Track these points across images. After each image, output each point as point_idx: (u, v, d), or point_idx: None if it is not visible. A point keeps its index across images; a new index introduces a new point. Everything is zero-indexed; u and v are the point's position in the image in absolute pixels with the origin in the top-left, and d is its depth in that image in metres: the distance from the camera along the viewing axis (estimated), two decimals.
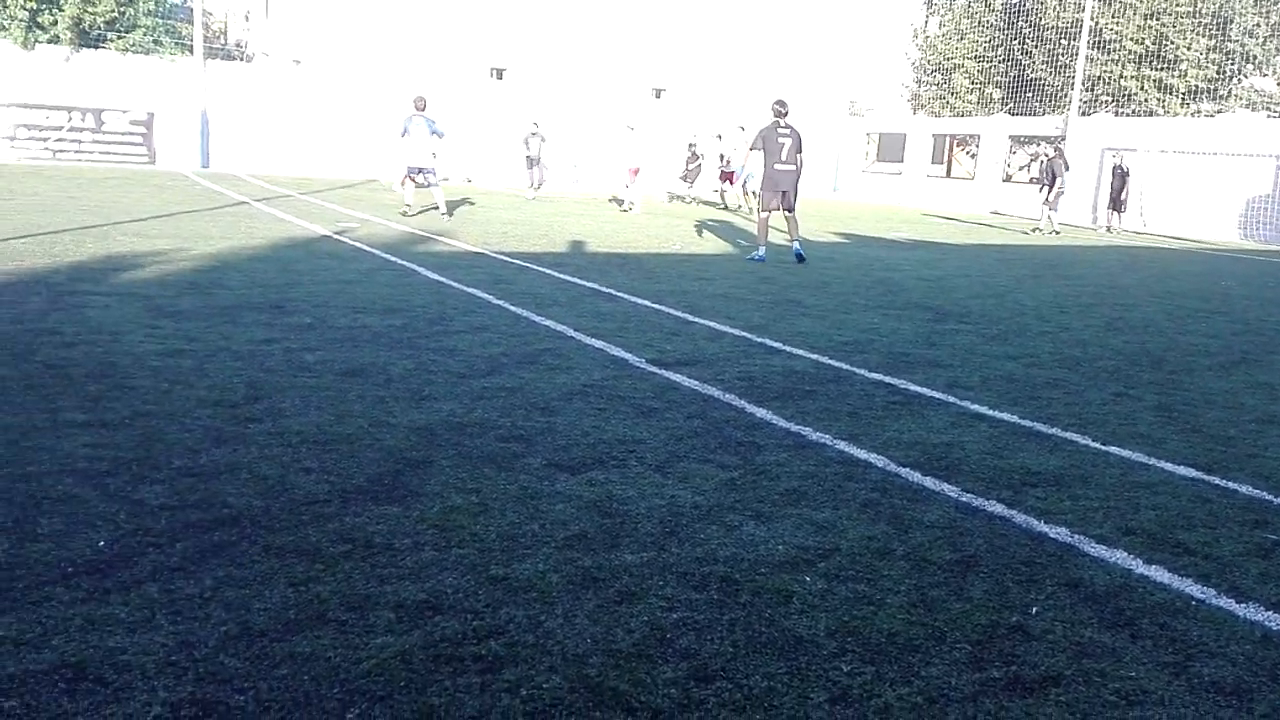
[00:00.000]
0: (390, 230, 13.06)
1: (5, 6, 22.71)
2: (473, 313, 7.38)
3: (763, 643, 2.68)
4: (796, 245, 12.69)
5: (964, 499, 3.92)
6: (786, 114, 12.39)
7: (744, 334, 7.16)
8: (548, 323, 7.14)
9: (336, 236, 11.85)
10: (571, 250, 12.29)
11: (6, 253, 8.62)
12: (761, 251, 12.45)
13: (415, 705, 2.30)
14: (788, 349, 6.72)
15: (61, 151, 23.01)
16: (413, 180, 15.51)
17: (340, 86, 26.60)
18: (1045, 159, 22.03)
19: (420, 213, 15.72)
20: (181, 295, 7.22)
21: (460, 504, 3.56)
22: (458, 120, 26.43)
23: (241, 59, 28.63)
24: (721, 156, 24.35)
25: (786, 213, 12.65)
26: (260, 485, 3.59)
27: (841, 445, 4.52)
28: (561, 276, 9.68)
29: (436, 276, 9.07)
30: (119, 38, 23.96)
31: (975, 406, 5.43)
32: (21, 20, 22.66)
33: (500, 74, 32.32)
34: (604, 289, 8.98)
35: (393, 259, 10.16)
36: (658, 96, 34.28)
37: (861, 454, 4.41)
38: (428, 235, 12.66)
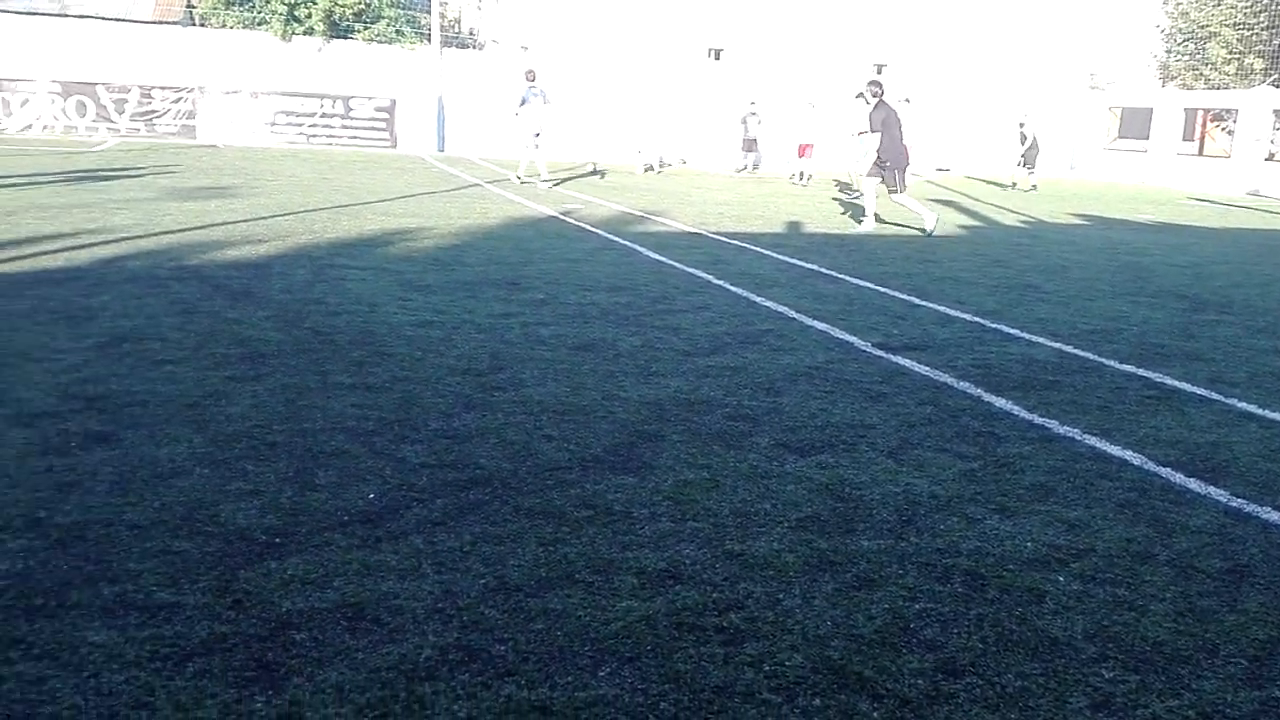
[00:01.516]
0: (610, 211, 13.40)
1: (266, 2, 24.83)
2: (694, 292, 7.46)
3: (1014, 641, 2.58)
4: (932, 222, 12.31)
5: (1234, 504, 3.61)
6: (883, 92, 12.38)
7: (976, 319, 6.87)
8: (769, 303, 7.12)
9: (562, 217, 12.27)
10: (789, 231, 12.18)
11: (274, 229, 9.47)
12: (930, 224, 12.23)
13: (662, 669, 2.37)
14: (1026, 336, 6.38)
15: (314, 136, 24.98)
16: (535, 149, 16.91)
17: (564, 70, 27.42)
18: None
19: (526, 181, 16.03)
20: (427, 271, 7.70)
21: (693, 479, 3.62)
22: (675, 101, 26.66)
23: (474, 46, 30.07)
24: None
25: (886, 189, 12.47)
26: (508, 449, 3.79)
27: (1092, 440, 4.25)
28: (780, 257, 9.61)
29: (657, 256, 9.22)
30: (365, 28, 25.70)
31: (1243, 405, 4.97)
32: (280, 14, 24.72)
33: (718, 54, 32.33)
34: (825, 270, 8.85)
35: (615, 239, 10.41)
36: (879, 72, 33.27)
37: (1115, 451, 4.14)
38: (646, 215, 12.89)
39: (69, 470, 3.37)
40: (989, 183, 24.76)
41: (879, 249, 10.75)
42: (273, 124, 24.69)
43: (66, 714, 2.10)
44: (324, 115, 25.13)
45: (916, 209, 12.53)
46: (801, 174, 21.99)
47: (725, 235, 11.24)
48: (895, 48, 33.43)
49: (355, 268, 7.61)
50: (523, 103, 16.79)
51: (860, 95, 15.44)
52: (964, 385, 5.07)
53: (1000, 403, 4.78)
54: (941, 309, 7.21)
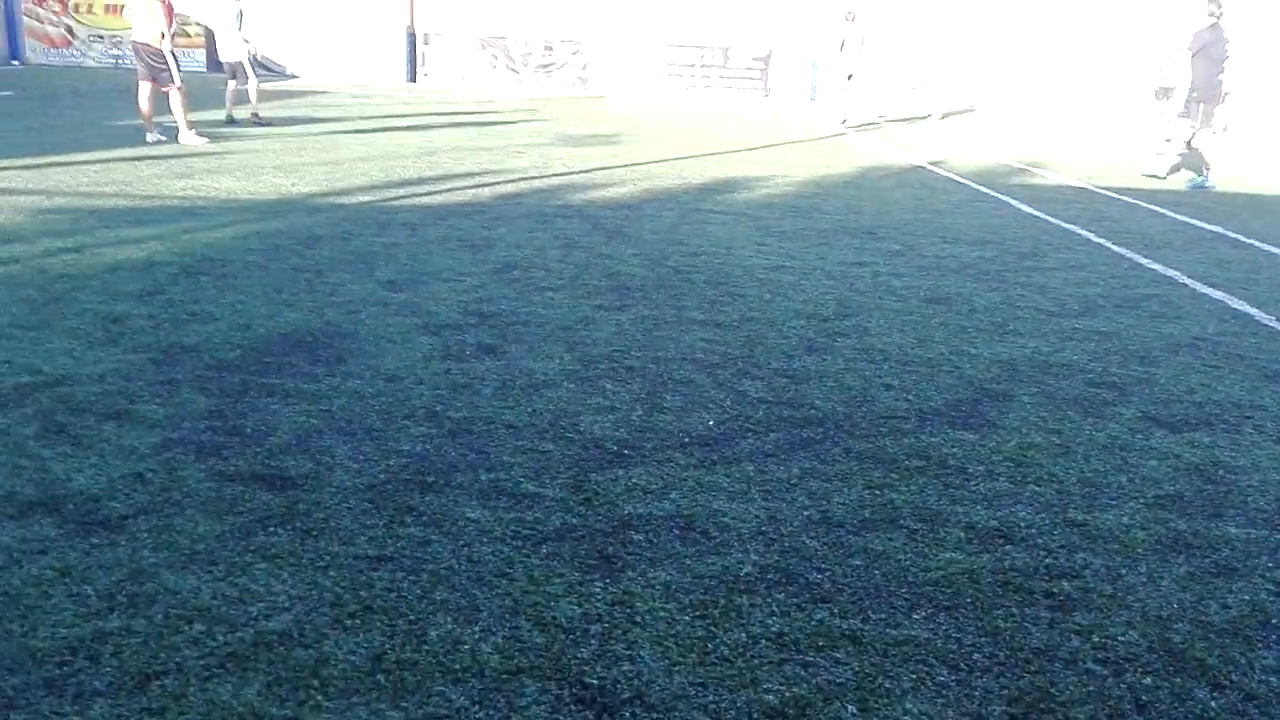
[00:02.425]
0: (985, 162, 12.70)
1: None
2: (1068, 250, 6.94)
3: None
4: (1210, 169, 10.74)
5: None
6: (1221, 13, 10.66)
7: None
8: (1156, 266, 6.46)
9: (930, 167, 11.84)
10: (1191, 188, 10.86)
11: (648, 175, 10.06)
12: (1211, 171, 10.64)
13: (980, 623, 2.34)
14: None
15: (693, 86, 25.92)
16: (848, 90, 17.11)
17: (969, 14, 26.11)
18: None
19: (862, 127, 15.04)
20: (784, 217, 7.83)
21: (1040, 442, 3.46)
22: (1096, 44, 24.51)
23: None
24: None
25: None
26: (845, 394, 3.84)
27: None
28: (1178, 216, 8.63)
29: (1031, 210, 8.66)
30: None
31: None
32: None
33: None
34: (1230, 233, 7.84)
35: (986, 190, 9.90)
36: None
37: None
38: (1024, 168, 12.08)
39: (463, 374, 3.91)
40: None
41: None
42: (657, 75, 25.92)
43: (444, 572, 2.49)
44: (703, 65, 25.96)
45: (1209, 159, 10.81)
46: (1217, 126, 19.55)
47: (1114, 190, 10.27)
48: None
49: (717, 212, 7.91)
50: (841, 46, 16.93)
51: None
52: None
53: None
54: None
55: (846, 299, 5.31)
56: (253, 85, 12.48)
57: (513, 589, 2.42)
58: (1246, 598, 2.48)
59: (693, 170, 10.52)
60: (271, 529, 2.64)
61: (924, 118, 21.56)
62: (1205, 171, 10.97)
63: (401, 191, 8.17)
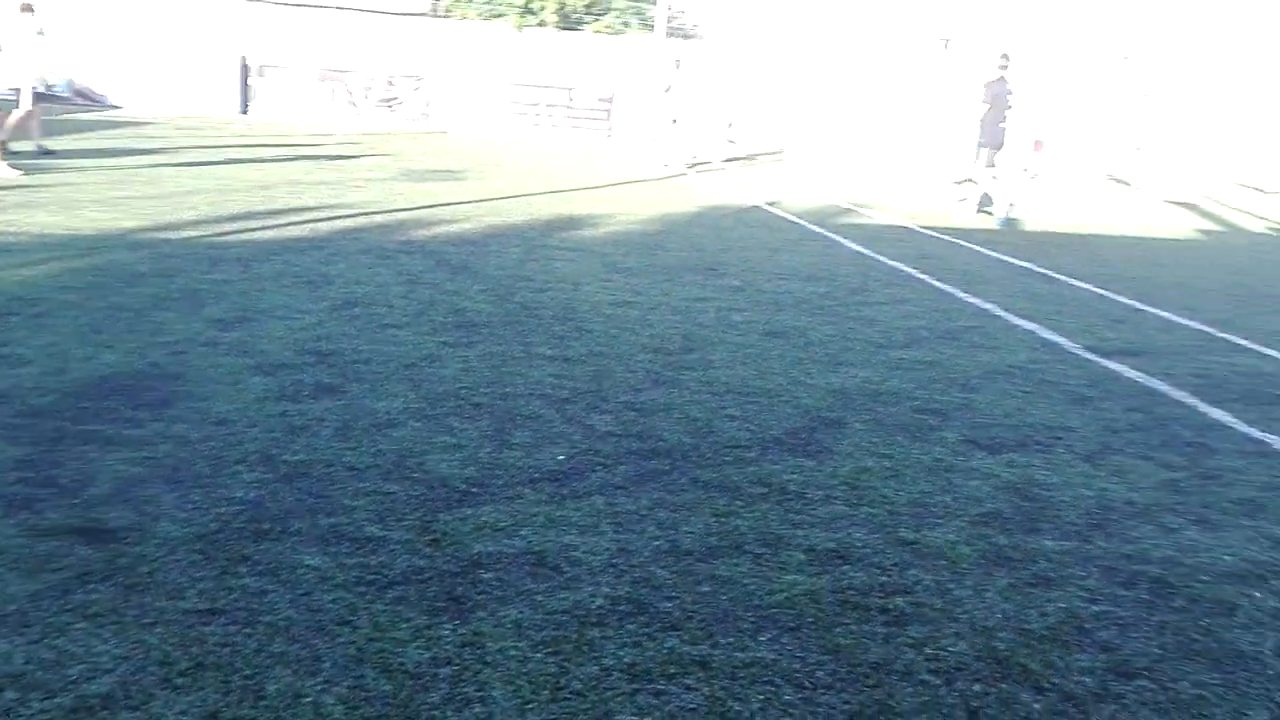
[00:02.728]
0: (817, 202, 13.28)
1: None
2: (894, 286, 7.33)
3: (1195, 650, 2.46)
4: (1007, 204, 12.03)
5: None
6: (1008, 68, 12.19)
7: (1204, 328, 6.40)
8: (974, 300, 6.90)
9: (766, 207, 12.29)
10: (1005, 227, 11.68)
11: (493, 211, 10.03)
12: (1003, 204, 11.90)
13: (822, 641, 2.43)
14: (1257, 348, 5.90)
15: (538, 124, 26.08)
16: (672, 133, 17.94)
17: (784, 61, 27.28)
18: None
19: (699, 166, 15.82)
20: (629, 254, 7.96)
21: (872, 466, 3.62)
22: (903, 91, 25.97)
23: (696, 37, 30.44)
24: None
25: (990, 169, 12.21)
26: (690, 425, 3.92)
27: None
28: (993, 255, 9.26)
29: (860, 249, 9.10)
30: (595, 20, 26.56)
31: None
32: (517, 7, 25.94)
33: (947, 43, 31.15)
34: (1040, 269, 8.46)
35: (818, 230, 10.34)
36: (1125, 59, 31.05)
37: None
38: (853, 209, 12.70)
39: (300, 415, 3.78)
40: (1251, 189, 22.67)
41: (1102, 250, 10.15)
42: (501, 112, 25.95)
43: (281, 623, 2.39)
44: (548, 105, 26.16)
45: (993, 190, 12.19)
46: (1026, 170, 21.42)
47: (936, 230, 10.92)
48: (1142, 40, 31.09)
49: (564, 249, 7.97)
50: (667, 89, 17.88)
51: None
52: (1179, 394, 4.77)
53: (1217, 414, 4.47)
54: (1166, 315, 6.76)
55: (691, 333, 5.44)
56: (18, 115, 11.28)
57: (356, 637, 2.35)
58: (1063, 605, 2.66)
59: (538, 207, 10.57)
60: (91, 586, 2.47)
61: (747, 158, 22.44)
62: (1009, 207, 11.86)
63: (233, 226, 7.85)
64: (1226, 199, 18.60)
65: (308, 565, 2.66)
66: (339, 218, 8.75)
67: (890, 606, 2.62)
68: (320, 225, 8.29)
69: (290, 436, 3.55)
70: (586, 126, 26.22)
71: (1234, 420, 4.39)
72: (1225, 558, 2.99)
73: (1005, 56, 12.29)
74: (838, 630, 2.48)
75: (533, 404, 4.07)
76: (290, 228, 8.05)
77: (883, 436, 3.95)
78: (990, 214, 12.25)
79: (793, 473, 3.50)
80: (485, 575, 2.67)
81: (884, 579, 2.77)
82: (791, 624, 2.50)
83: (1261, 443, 4.10)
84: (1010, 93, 12.14)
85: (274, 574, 2.60)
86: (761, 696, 2.21)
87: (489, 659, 2.29)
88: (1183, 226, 13.27)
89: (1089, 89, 25.73)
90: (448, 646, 2.33)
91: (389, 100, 25.24)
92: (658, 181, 14.81)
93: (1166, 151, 22.50)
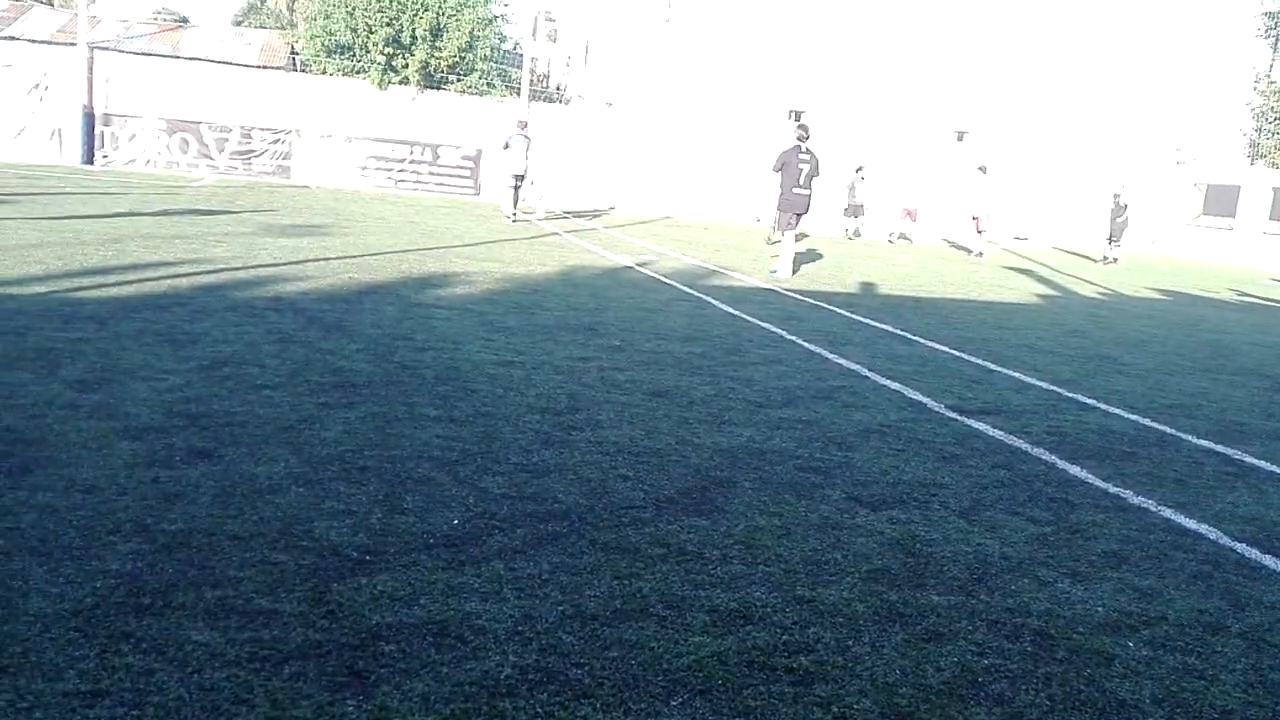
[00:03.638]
0: (685, 264, 13.59)
1: (367, 51, 25.89)
2: (767, 346, 7.55)
3: (1081, 700, 2.60)
4: (788, 267, 13.08)
5: None
6: (807, 139, 12.97)
7: (1052, 388, 6.83)
8: (842, 361, 7.17)
9: (638, 267, 12.50)
10: (863, 291, 12.22)
11: (364, 267, 9.84)
12: (785, 269, 13.00)
13: (733, 704, 2.44)
14: (1103, 406, 6.34)
15: (402, 181, 25.81)
16: (514, 189, 18.45)
17: (646, 126, 27.96)
18: None
19: (524, 219, 16.25)
20: (509, 314, 7.93)
21: (764, 525, 3.69)
22: (756, 160, 26.98)
23: (560, 101, 30.88)
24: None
25: (788, 232, 13.17)
26: (585, 486, 3.91)
27: (1167, 512, 4.23)
28: (854, 317, 9.67)
29: (731, 310, 9.35)
30: (458, 80, 26.60)
31: None
32: (379, 64, 25.75)
33: (798, 115, 32.64)
34: (899, 331, 8.88)
35: (689, 291, 10.58)
36: (960, 139, 33.26)
37: (1190, 524, 4.10)
38: (720, 270, 13.05)
39: (174, 482, 3.58)
40: (1079, 255, 24.48)
41: (954, 313, 10.74)
42: (364, 168, 25.57)
43: (172, 704, 2.24)
44: (412, 162, 25.95)
45: (784, 253, 13.20)
46: (898, 234, 23.14)
47: (799, 293, 11.33)
48: (977, 116, 33.40)
49: (441, 307, 7.88)
50: (506, 146, 18.44)
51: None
52: (1038, 451, 5.07)
53: (1075, 470, 4.77)
54: (1017, 375, 7.18)
55: (576, 393, 5.45)
56: None
57: (255, 716, 2.22)
58: (955, 659, 2.77)
59: (410, 264, 10.43)
60: None
61: (597, 213, 22.91)
62: (778, 267, 13.06)
63: (85, 281, 7.44)
64: (1057, 263, 20.01)
65: (195, 641, 2.51)
66: (200, 273, 8.41)
67: (795, 665, 2.66)
68: (181, 281, 7.95)
69: (165, 504, 3.35)
70: (452, 184, 26.12)
71: (1090, 476, 4.69)
72: (1098, 609, 3.18)
73: (803, 127, 13.27)
74: (747, 692, 2.51)
75: (422, 466, 3.99)
76: (148, 283, 7.68)
77: (771, 495, 4.04)
78: (780, 274, 13.06)
79: (689, 533, 3.53)
80: (386, 647, 2.58)
81: (786, 638, 2.82)
82: (701, 687, 2.51)
83: (1118, 497, 4.39)
84: (806, 161, 12.94)
85: (160, 651, 2.44)
86: None
87: None
88: (1022, 290, 14.18)
89: (935, 163, 27.43)
90: None
91: (245, 153, 24.51)
92: (529, 240, 14.86)
93: (1001, 219, 24.12)
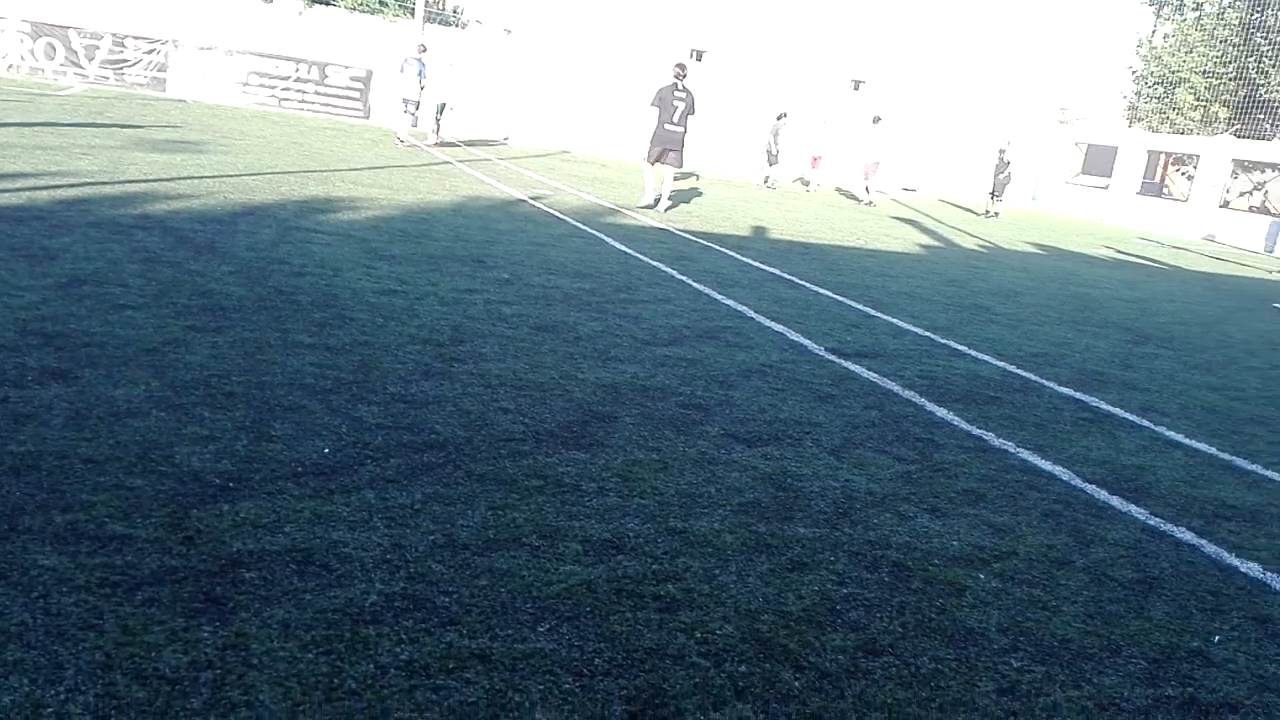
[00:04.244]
0: (580, 200, 13.46)
1: None
2: (656, 285, 7.57)
3: (932, 628, 2.72)
4: (664, 199, 13.40)
5: (1151, 522, 3.80)
6: (684, 78, 13.31)
7: (927, 334, 7.06)
8: (729, 302, 7.25)
9: (531, 201, 12.32)
10: (755, 235, 12.34)
11: (240, 187, 9.42)
12: (648, 198, 13.40)
13: (599, 629, 2.48)
14: (973, 353, 6.59)
15: (286, 100, 24.70)
16: (408, 113, 18.45)
17: (546, 56, 27.40)
18: None
19: (413, 145, 16.18)
20: (393, 241, 7.73)
21: (642, 459, 3.73)
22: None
23: (456, 24, 29.92)
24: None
25: (665, 168, 13.47)
26: (464, 418, 3.87)
27: (1025, 454, 4.44)
28: (743, 259, 9.76)
29: (623, 248, 9.32)
30: None
31: (1171, 433, 5.20)
32: None
33: (700, 55, 32.47)
34: (785, 275, 9.01)
35: (583, 227, 10.49)
36: (856, 88, 33.67)
37: (1045, 465, 4.32)
38: (615, 208, 12.98)
39: (25, 402, 3.40)
40: (962, 208, 25.19)
41: (840, 260, 10.96)
42: (245, 84, 24.36)
43: (14, 629, 2.15)
44: (298, 80, 24.84)
45: (652, 184, 13.59)
46: (808, 182, 23.33)
47: (692, 234, 11.36)
48: (873, 67, 33.86)
49: (321, 232, 7.61)
50: (401, 69, 18.21)
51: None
52: (909, 394, 5.24)
53: (942, 413, 4.95)
54: (895, 321, 7.39)
55: (461, 325, 5.36)
56: None
57: (104, 641, 2.15)
58: (816, 588, 2.86)
59: (291, 186, 10.03)
60: None
61: (501, 141, 22.57)
62: (660, 200, 13.44)
63: None
64: (941, 215, 20.59)
65: (42, 566, 2.40)
66: (62, 186, 7.92)
67: (662, 593, 2.71)
68: (39, 194, 7.47)
69: (15, 425, 3.18)
70: (339, 106, 25.15)
71: (956, 419, 4.88)
72: (953, 543, 3.33)
73: (681, 66, 13.51)
74: (614, 618, 2.54)
75: (293, 394, 3.87)
76: (3, 195, 7.19)
77: (651, 430, 4.08)
78: (643, 202, 13.58)
79: (568, 465, 3.54)
80: (247, 574, 2.52)
81: (656, 567, 2.86)
82: (569, 614, 2.54)
83: (980, 439, 4.59)
84: (681, 99, 13.29)
85: (3, 576, 2.33)
86: (541, 686, 2.23)
87: (254, 661, 2.17)
88: (906, 239, 14.56)
89: (832, 111, 27.73)
90: (208, 650, 2.18)
91: (117, 62, 23.04)
92: (420, 167, 14.46)
93: (891, 168, 24.66)
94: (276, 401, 3.77)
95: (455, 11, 31.27)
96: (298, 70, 24.75)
